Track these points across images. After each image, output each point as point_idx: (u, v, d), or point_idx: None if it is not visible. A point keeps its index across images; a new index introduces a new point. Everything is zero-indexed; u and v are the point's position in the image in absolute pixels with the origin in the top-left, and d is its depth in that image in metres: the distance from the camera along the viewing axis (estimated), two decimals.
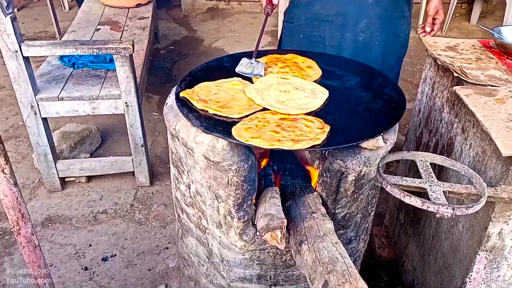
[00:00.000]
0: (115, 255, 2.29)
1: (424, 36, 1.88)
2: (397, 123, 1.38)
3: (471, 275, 1.48)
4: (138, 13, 3.72)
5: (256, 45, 1.67)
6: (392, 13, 1.92)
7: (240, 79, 1.56)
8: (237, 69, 1.60)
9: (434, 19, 1.88)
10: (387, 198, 2.44)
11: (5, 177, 1.18)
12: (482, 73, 1.61)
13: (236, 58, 1.65)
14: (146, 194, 2.71)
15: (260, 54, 1.72)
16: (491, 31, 1.82)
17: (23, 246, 1.35)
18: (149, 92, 3.79)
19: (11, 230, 1.34)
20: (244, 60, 1.63)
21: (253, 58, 1.63)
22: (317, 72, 1.65)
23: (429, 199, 1.19)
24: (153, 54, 4.40)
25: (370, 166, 1.31)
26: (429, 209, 1.15)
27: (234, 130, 1.27)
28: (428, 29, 1.88)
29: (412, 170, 1.99)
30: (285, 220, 1.24)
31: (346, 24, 1.92)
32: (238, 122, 1.32)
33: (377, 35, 1.93)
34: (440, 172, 1.67)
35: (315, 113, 1.39)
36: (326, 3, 1.91)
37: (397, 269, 2.12)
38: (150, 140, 3.17)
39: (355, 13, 1.89)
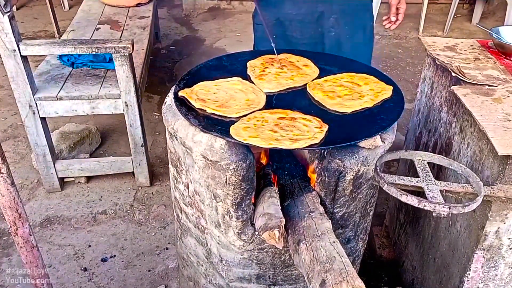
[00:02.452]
0: (115, 255, 2.29)
1: (389, 26, 1.92)
2: (395, 123, 1.38)
3: (469, 274, 1.48)
4: (139, 13, 3.72)
5: None
6: (357, 7, 1.99)
7: (239, 79, 1.56)
8: None
9: (397, 8, 1.90)
10: (388, 198, 2.44)
11: (1, 176, 1.18)
12: (480, 73, 1.61)
13: (235, 58, 1.65)
14: (146, 195, 2.71)
15: (253, 55, 1.72)
16: (489, 31, 1.82)
17: (21, 247, 1.34)
18: (149, 92, 3.79)
19: (9, 230, 1.34)
20: None
21: None
22: (314, 70, 1.65)
23: (426, 198, 1.19)
24: (154, 53, 4.39)
25: (368, 166, 1.31)
26: (425, 208, 1.15)
27: (232, 129, 1.27)
28: (393, 18, 1.90)
29: (411, 169, 1.99)
30: (283, 219, 1.24)
31: (316, 21, 1.96)
32: (236, 121, 1.32)
33: (346, 29, 1.99)
34: (439, 172, 1.67)
35: (314, 112, 1.39)
36: (295, 2, 1.94)
37: (397, 268, 2.12)
38: (150, 140, 3.17)
39: (324, 10, 1.94)
